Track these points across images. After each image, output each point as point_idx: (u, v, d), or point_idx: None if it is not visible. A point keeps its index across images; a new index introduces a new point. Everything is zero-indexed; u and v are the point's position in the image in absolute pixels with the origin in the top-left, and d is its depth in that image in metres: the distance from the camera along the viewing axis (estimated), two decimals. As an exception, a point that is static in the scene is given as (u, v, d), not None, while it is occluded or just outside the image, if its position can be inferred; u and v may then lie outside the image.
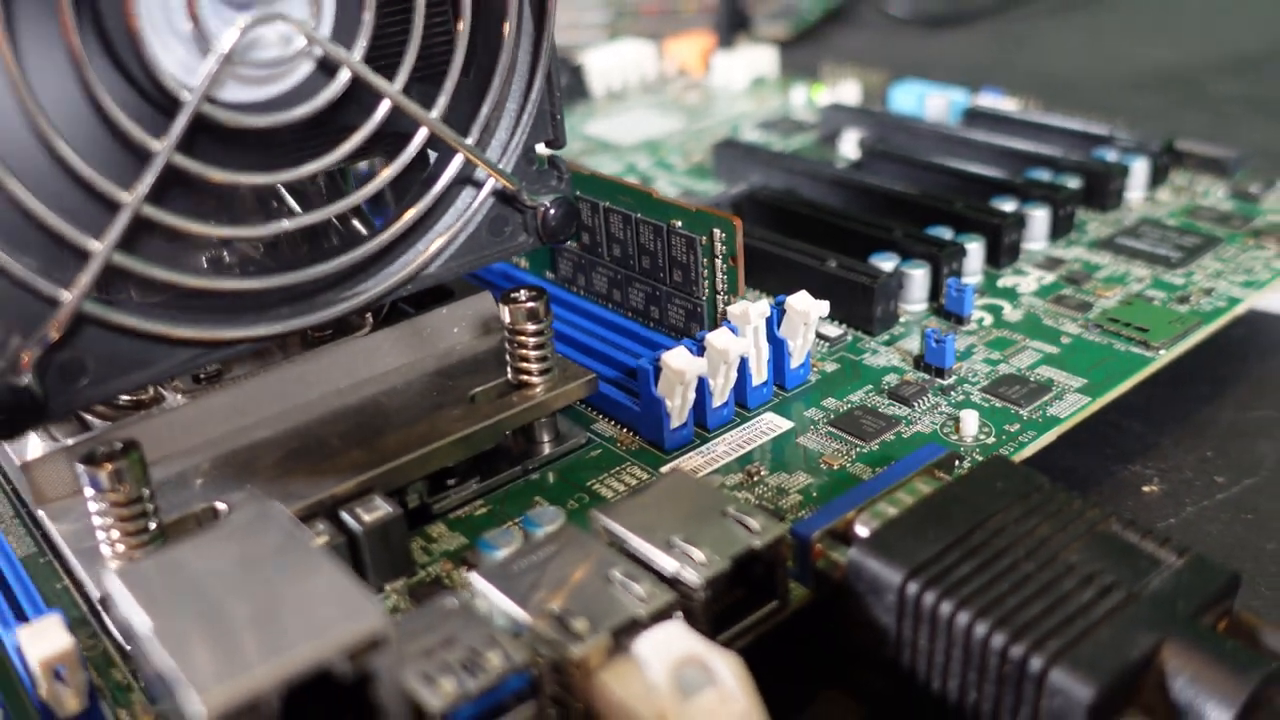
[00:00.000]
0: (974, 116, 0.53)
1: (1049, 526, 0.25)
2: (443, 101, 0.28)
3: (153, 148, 0.24)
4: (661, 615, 0.23)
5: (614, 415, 0.34)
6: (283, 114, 0.26)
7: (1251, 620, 0.24)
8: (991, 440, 0.32)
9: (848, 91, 0.60)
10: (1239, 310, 0.38)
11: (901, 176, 0.47)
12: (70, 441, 0.29)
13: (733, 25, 0.68)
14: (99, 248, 0.24)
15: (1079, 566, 0.24)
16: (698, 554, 0.25)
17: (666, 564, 0.25)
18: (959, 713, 0.24)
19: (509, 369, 0.32)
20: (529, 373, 0.32)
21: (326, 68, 0.27)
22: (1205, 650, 0.22)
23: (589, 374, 0.33)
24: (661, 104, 0.63)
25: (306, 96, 0.27)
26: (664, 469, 0.32)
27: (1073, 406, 0.33)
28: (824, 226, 0.42)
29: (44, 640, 0.23)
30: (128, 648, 0.26)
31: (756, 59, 0.65)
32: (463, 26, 0.28)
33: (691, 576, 0.24)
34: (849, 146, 0.53)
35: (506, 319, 0.31)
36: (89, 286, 0.24)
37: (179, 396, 0.30)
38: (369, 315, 0.33)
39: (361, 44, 0.27)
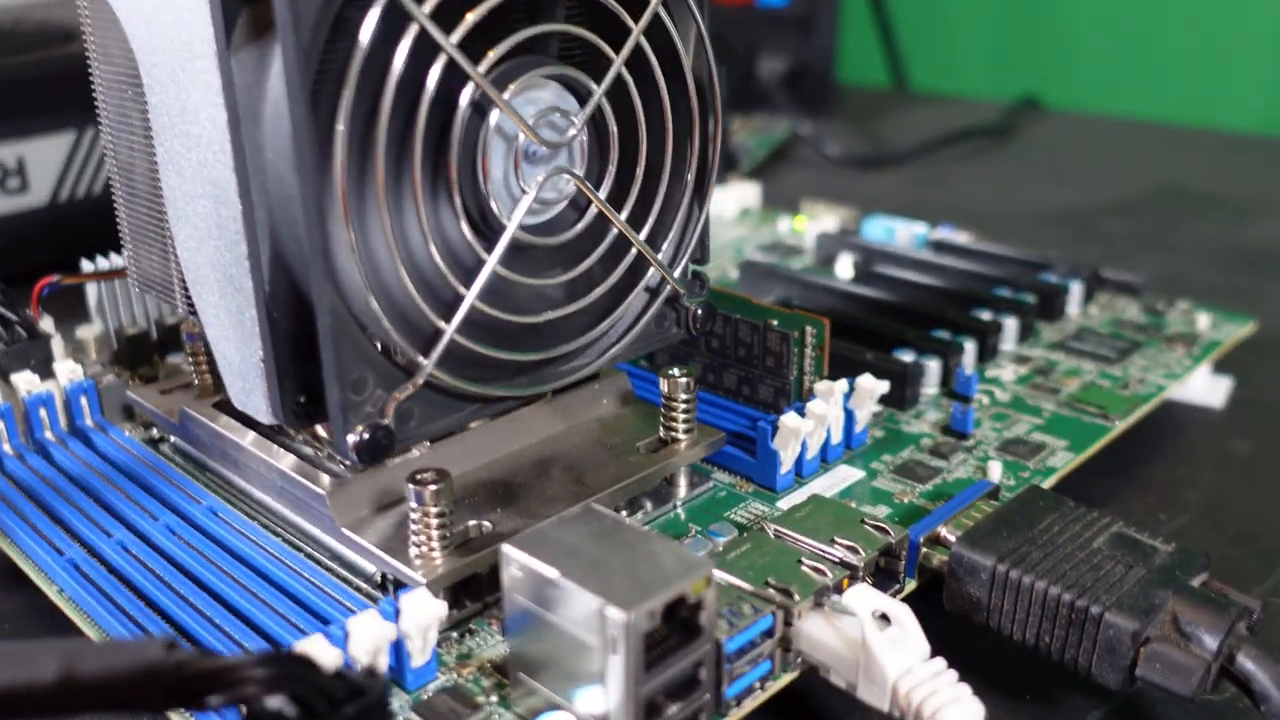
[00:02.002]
0: (938, 246, 0.67)
1: (1081, 528, 0.37)
2: (646, 229, 0.39)
3: (484, 257, 0.35)
4: (840, 587, 0.34)
5: (727, 466, 0.45)
6: (558, 236, 0.37)
7: (1219, 585, 0.36)
8: (1012, 483, 0.44)
9: (828, 222, 0.73)
10: (1165, 394, 0.52)
11: (894, 291, 0.60)
12: (320, 484, 0.38)
13: (724, 165, 0.81)
14: (447, 328, 0.34)
15: (1108, 552, 0.36)
16: (856, 546, 0.36)
17: (834, 553, 0.35)
18: (1035, 650, 0.35)
19: (661, 428, 0.43)
20: (678, 430, 0.42)
21: (575, 203, 0.38)
22: (1198, 599, 0.34)
23: (719, 433, 0.43)
24: (666, 228, 0.75)
25: (560, 224, 0.38)
26: (781, 503, 0.43)
27: (1064, 460, 0.46)
28: (846, 329, 0.54)
29: (419, 609, 0.32)
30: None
31: (743, 193, 0.78)
32: (667, 157, 0.39)
33: (855, 560, 0.35)
34: (844, 268, 0.65)
35: (665, 389, 0.42)
36: (439, 356, 0.34)
37: (426, 445, 0.40)
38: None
39: (606, 187, 0.38)
